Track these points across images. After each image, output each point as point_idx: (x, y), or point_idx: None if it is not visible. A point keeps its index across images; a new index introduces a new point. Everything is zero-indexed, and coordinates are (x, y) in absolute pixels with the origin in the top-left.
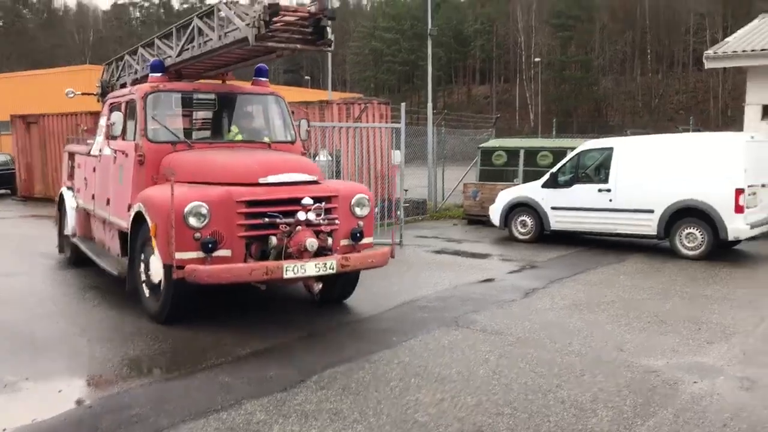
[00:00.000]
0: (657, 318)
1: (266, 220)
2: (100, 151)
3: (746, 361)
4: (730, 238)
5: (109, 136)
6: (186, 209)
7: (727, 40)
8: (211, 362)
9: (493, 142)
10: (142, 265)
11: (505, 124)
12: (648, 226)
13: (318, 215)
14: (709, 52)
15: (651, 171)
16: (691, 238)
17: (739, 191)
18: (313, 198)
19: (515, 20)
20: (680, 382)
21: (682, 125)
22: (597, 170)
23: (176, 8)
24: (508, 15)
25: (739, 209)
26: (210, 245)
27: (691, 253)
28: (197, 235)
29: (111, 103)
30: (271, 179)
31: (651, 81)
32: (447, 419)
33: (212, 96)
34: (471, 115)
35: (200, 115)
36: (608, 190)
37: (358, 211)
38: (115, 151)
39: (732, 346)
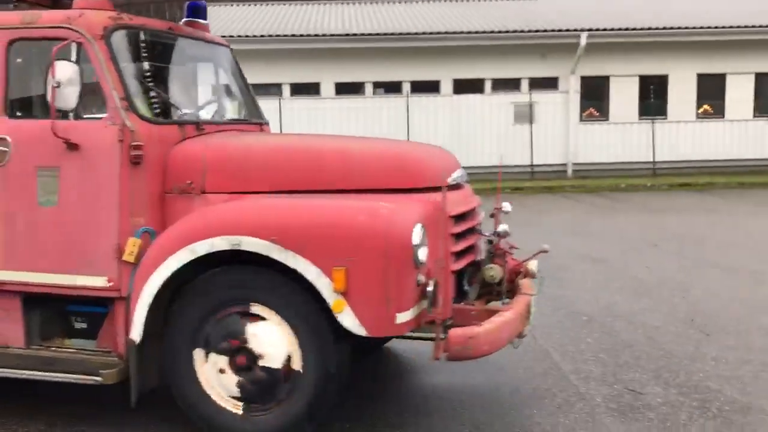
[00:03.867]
0: None
1: (484, 238)
2: None
3: None
4: None
5: (55, 114)
6: (415, 237)
7: None
8: None
9: None
10: (207, 354)
11: None
12: None
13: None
14: None
15: None
16: None
17: None
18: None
19: None
20: None
21: None
22: None
23: None
24: None
25: None
26: (434, 291)
27: None
28: (420, 278)
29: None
30: (453, 178)
31: None
32: None
33: (196, 46)
34: None
35: (177, 77)
36: None
37: None
38: (68, 144)
39: None
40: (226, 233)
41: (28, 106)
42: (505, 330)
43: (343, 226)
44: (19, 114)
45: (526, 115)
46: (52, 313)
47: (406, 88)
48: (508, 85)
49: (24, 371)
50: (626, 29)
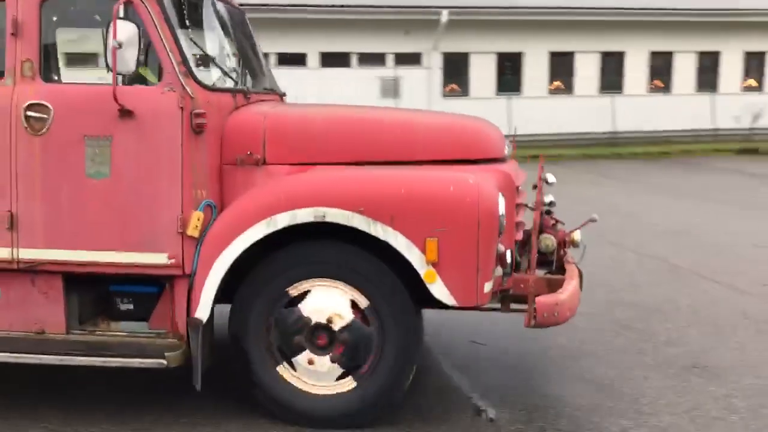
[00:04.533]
0: None
1: (546, 210)
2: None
3: None
4: None
5: (116, 78)
6: (500, 208)
7: None
8: None
9: None
10: (290, 363)
11: None
12: None
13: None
14: None
15: None
16: None
17: None
18: None
19: None
20: None
21: None
22: None
23: None
24: None
25: None
26: (511, 258)
27: None
28: (500, 247)
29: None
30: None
31: None
32: None
33: (226, 10)
34: None
35: (217, 42)
36: None
37: None
38: (123, 111)
39: None
40: (311, 204)
41: (69, 68)
42: (577, 297)
43: (435, 197)
44: (55, 78)
45: (391, 90)
46: (94, 294)
47: (273, 60)
48: (375, 60)
49: (73, 357)
50: (485, 7)
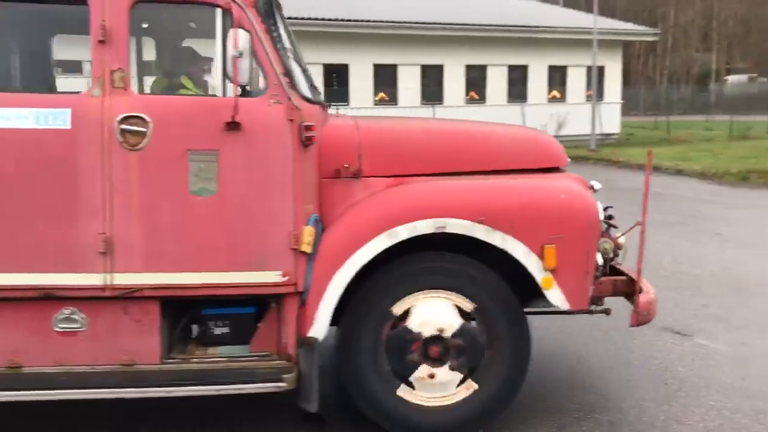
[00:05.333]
0: None
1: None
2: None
3: None
4: None
5: (238, 89)
6: (600, 213)
7: None
8: None
9: None
10: (408, 383)
11: None
12: None
13: None
14: None
15: None
16: None
17: None
18: None
19: None
20: None
21: None
22: None
23: None
24: None
25: None
26: (603, 262)
27: None
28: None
29: None
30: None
31: None
32: None
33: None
34: None
35: (294, 52)
36: None
37: None
38: (229, 124)
39: None
40: (431, 216)
41: (165, 79)
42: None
43: (549, 205)
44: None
45: None
46: (185, 320)
47: None
48: None
49: (185, 387)
50: (310, 19)
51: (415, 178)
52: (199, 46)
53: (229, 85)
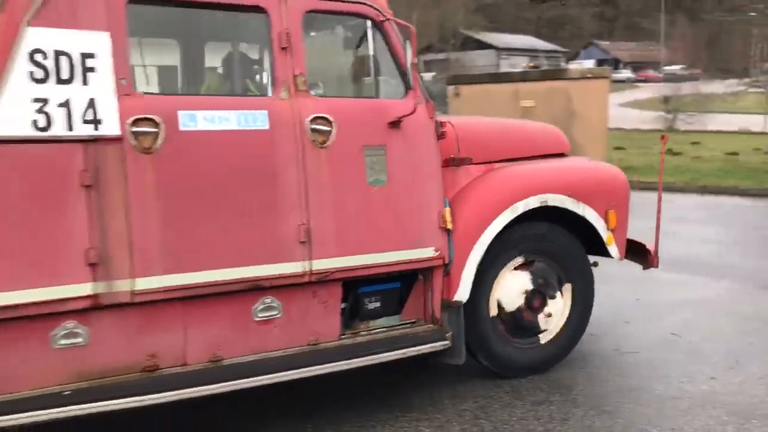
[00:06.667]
0: None
1: None
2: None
3: None
4: None
5: (418, 94)
6: None
7: None
8: None
9: None
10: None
11: None
12: None
13: None
14: None
15: None
16: None
17: None
18: None
19: None
20: None
21: None
22: None
23: None
24: None
25: None
26: None
27: None
28: None
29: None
30: None
31: None
32: None
33: None
34: None
35: None
36: None
37: None
38: (393, 122)
39: None
40: (538, 193)
41: (337, 83)
42: None
43: (609, 180)
44: (321, 92)
45: None
46: (353, 298)
47: None
48: None
49: (369, 357)
50: None
51: (493, 164)
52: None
53: (381, 87)
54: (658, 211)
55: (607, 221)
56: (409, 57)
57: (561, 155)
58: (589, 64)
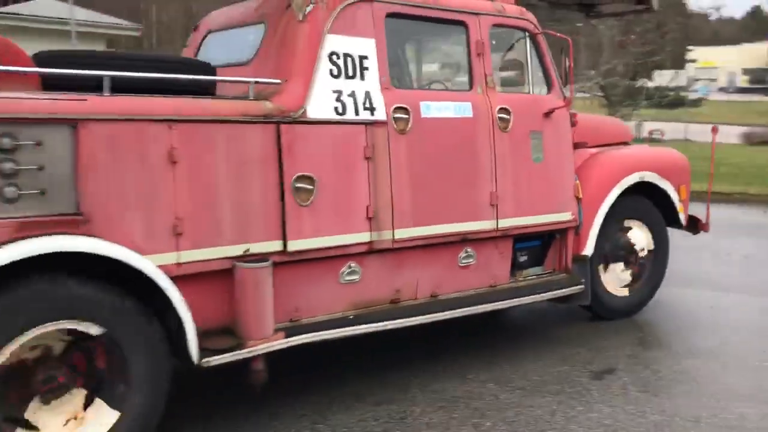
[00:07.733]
0: None
1: None
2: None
3: None
4: None
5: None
6: None
7: None
8: None
9: None
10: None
11: None
12: None
13: None
14: None
15: None
16: None
17: None
18: None
19: None
20: None
21: None
22: None
23: None
24: None
25: None
26: None
27: None
28: None
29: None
30: None
31: None
32: None
33: None
34: None
35: None
36: None
37: None
38: (548, 113)
39: None
40: (638, 170)
41: (503, 81)
42: None
43: (679, 161)
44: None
45: None
46: (513, 252)
47: None
48: None
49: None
50: None
51: (594, 149)
52: None
53: (533, 85)
54: (710, 184)
55: (679, 194)
56: (567, 63)
57: (625, 143)
58: None
